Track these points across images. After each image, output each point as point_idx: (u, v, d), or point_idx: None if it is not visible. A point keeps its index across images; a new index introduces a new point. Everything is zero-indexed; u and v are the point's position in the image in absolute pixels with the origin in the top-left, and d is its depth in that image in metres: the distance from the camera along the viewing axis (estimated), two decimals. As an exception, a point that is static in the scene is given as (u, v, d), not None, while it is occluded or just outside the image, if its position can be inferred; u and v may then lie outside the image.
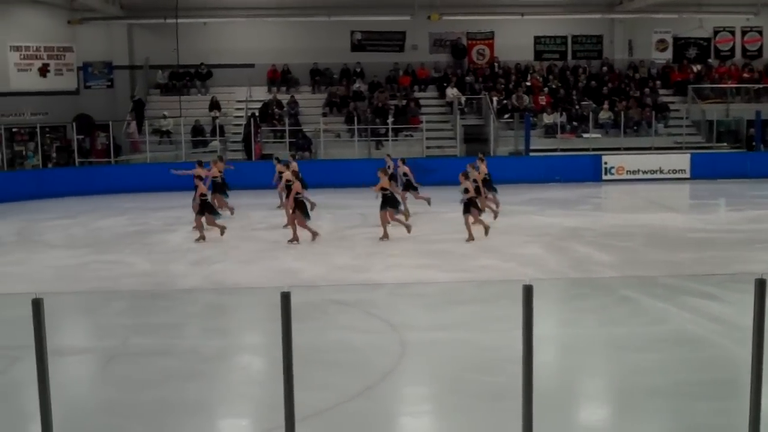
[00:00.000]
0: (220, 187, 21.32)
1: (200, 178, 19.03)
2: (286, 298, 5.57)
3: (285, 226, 18.74)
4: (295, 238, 17.71)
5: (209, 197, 19.18)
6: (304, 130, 29.97)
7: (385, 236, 18.02)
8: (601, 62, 33.94)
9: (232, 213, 21.21)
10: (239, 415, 8.80)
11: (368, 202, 22.88)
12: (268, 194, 23.48)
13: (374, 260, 16.06)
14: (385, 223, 18.22)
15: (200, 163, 20.84)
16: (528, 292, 5.31)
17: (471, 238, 17.54)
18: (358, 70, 32.70)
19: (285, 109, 30.81)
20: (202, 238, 18.19)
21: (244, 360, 10.71)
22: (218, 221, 18.63)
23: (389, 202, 18.22)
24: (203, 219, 18.36)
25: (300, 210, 17.70)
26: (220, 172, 21.30)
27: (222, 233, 18.42)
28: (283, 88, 32.26)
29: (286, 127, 29.44)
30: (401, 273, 14.91)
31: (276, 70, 32.53)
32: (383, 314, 12.02)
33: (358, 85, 32.05)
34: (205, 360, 10.27)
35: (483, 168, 20.36)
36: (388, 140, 29.37)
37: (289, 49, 32.26)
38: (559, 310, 12.59)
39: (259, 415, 8.66)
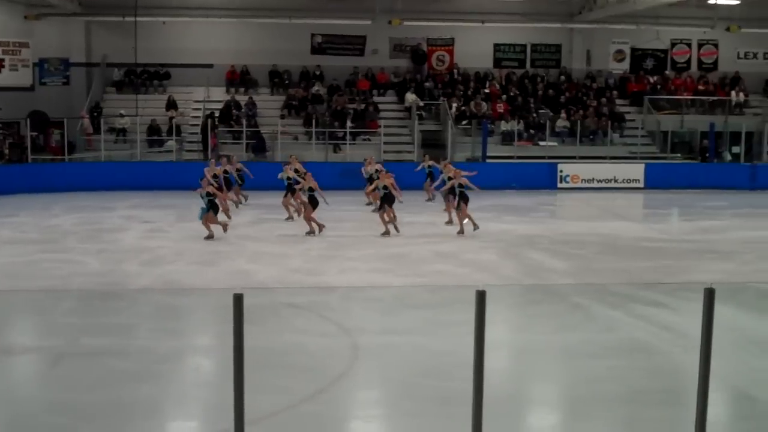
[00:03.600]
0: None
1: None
2: (238, 300, 5.52)
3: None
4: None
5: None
6: (262, 131, 29.84)
7: (387, 233, 18.97)
8: (559, 71, 34.21)
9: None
10: (189, 417, 8.74)
11: (323, 205, 22.87)
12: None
13: (329, 263, 16.01)
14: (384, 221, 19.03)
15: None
16: (481, 297, 5.32)
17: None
18: (318, 72, 32.64)
19: (243, 110, 30.66)
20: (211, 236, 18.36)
21: (196, 362, 10.62)
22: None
23: (387, 201, 19.00)
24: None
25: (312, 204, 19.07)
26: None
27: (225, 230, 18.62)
28: (242, 89, 32.12)
29: (244, 128, 29.29)
30: (356, 276, 14.92)
31: (235, 71, 32.36)
32: (337, 318, 11.99)
33: (317, 88, 31.97)
34: (157, 361, 10.16)
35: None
36: (346, 144, 29.36)
37: (248, 50, 32.12)
38: (513, 316, 12.67)
39: (209, 417, 8.59)
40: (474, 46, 33.38)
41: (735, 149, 32.10)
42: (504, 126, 30.85)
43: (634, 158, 30.13)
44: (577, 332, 11.66)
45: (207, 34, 32.08)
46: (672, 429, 7.91)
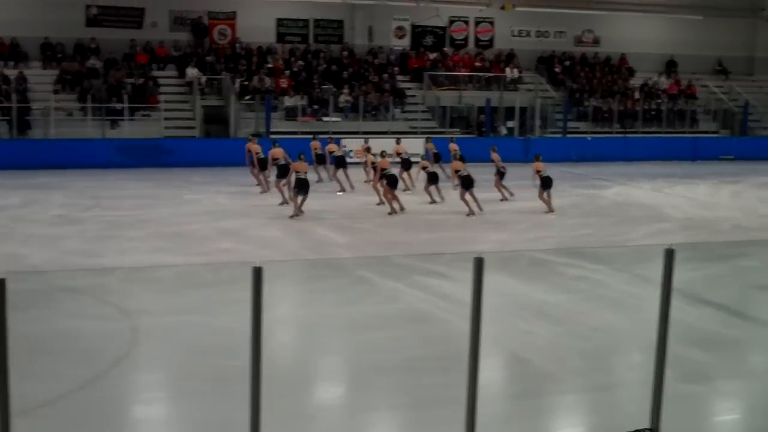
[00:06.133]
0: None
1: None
2: (0, 285, 5.20)
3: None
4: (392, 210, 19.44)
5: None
6: (34, 107, 28.34)
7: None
8: (341, 47, 34.43)
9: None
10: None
11: (102, 183, 22.17)
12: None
13: (108, 244, 15.45)
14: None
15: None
16: (257, 274, 5.26)
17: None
18: (93, 46, 31.27)
19: (12, 85, 28.98)
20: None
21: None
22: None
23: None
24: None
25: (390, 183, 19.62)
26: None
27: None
28: (11, 63, 30.32)
29: (14, 104, 27.65)
30: (136, 257, 14.48)
31: (3, 43, 30.50)
32: (116, 300, 11.61)
33: (93, 62, 30.66)
34: None
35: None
36: (124, 119, 28.38)
37: (17, 21, 30.25)
38: (297, 292, 12.75)
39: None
40: (256, 21, 33.06)
41: (510, 124, 33.52)
42: (288, 101, 30.79)
43: (415, 133, 30.80)
44: (360, 305, 11.84)
45: (-30, 4, 30.13)
46: (449, 394, 8.13)
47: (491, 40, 36.69)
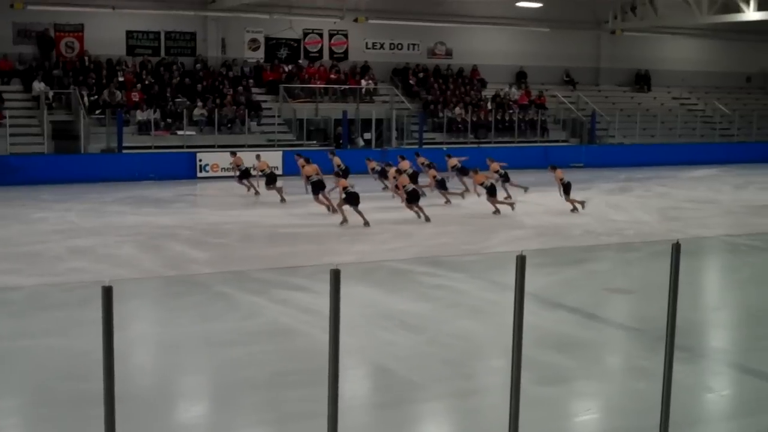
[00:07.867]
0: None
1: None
2: None
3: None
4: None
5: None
6: None
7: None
8: (194, 59, 33.93)
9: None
10: None
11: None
12: None
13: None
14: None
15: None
16: (107, 293, 5.08)
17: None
18: (-68, 60, 29.93)
19: None
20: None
21: None
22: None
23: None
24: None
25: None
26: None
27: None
28: None
29: None
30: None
31: None
32: (-39, 325, 11.07)
33: (-68, 77, 29.32)
34: None
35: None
36: (-33, 136, 27.20)
37: None
38: (154, 310, 12.45)
39: None
40: (105, 33, 32.17)
41: (367, 135, 33.78)
42: (140, 115, 30.12)
43: (273, 146, 30.66)
44: (219, 321, 11.65)
45: None
46: (314, 407, 8.04)
47: (345, 53, 36.88)
